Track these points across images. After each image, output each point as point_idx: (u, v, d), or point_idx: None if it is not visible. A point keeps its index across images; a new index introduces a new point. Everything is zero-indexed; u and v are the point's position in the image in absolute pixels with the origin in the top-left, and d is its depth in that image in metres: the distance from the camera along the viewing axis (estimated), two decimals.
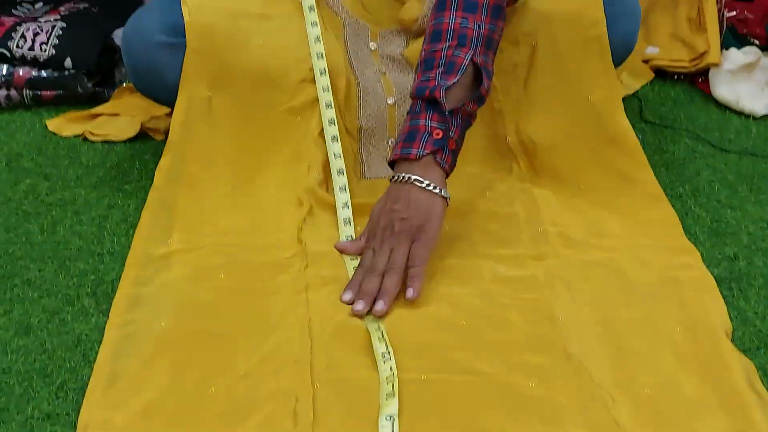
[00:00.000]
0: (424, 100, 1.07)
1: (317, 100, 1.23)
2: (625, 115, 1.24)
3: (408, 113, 1.09)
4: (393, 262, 1.03)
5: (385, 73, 1.28)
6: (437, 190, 1.05)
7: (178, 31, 1.20)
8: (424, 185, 1.05)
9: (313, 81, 1.23)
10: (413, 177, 1.05)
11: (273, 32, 1.24)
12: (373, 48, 1.29)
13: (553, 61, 1.23)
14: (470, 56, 1.08)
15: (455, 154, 1.08)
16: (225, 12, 1.22)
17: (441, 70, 1.07)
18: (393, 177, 1.07)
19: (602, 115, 1.23)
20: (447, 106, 1.06)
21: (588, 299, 1.05)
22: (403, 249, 1.04)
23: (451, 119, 1.06)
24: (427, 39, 1.11)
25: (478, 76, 1.09)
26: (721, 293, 1.08)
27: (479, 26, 1.09)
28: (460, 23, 1.09)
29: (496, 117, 1.28)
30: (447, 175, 1.08)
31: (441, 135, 1.06)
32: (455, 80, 1.06)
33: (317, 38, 1.24)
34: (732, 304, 1.08)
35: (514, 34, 1.22)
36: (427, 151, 1.05)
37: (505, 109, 1.27)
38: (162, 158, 1.22)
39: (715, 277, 1.10)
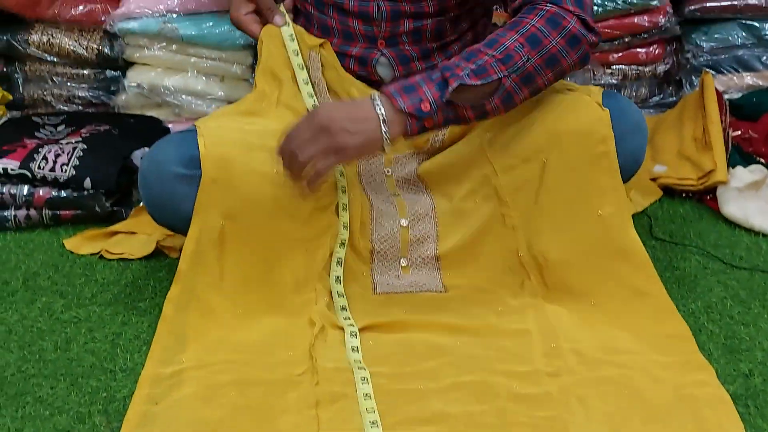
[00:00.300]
0: (442, 77, 1.11)
1: (326, 229, 1.25)
2: (634, 230, 1.25)
3: (426, 69, 1.14)
4: (309, 158, 1.11)
5: (399, 195, 1.30)
6: (386, 133, 1.10)
7: (195, 163, 1.20)
8: (383, 119, 1.10)
9: (324, 210, 1.25)
10: (383, 109, 1.10)
11: None
12: (388, 173, 1.31)
13: (564, 177, 1.24)
14: (502, 75, 1.12)
15: (424, 130, 1.14)
16: (241, 144, 1.23)
17: (473, 68, 1.11)
18: (373, 94, 1.13)
19: (612, 230, 1.24)
20: (450, 96, 1.10)
21: (603, 417, 1.04)
22: (321, 157, 1.10)
23: (444, 107, 1.11)
24: (484, 42, 1.15)
25: (497, 93, 1.13)
26: (737, 411, 1.06)
27: (528, 59, 1.13)
28: (515, 47, 1.13)
29: (508, 232, 1.29)
30: (404, 136, 1.13)
31: (427, 109, 1.10)
32: (475, 83, 1.10)
33: (341, 172, 1.26)
34: (749, 422, 1.06)
35: (525, 151, 1.24)
36: (407, 110, 1.10)
37: (516, 224, 1.28)
38: (171, 288, 1.21)
39: (730, 395, 1.09)
